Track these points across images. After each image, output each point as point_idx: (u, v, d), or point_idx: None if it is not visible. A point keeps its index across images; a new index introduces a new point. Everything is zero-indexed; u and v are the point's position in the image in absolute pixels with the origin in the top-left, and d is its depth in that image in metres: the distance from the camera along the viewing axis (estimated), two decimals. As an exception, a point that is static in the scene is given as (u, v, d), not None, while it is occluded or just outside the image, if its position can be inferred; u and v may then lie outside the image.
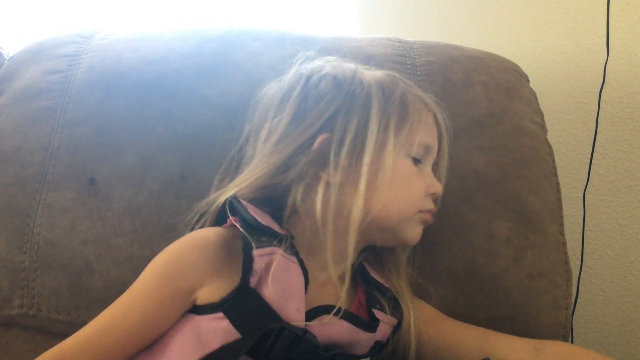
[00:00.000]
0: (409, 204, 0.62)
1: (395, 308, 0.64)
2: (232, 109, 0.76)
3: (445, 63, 0.82)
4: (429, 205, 0.64)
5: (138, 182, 0.73)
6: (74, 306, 0.70)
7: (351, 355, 0.58)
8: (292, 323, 0.53)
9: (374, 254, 0.68)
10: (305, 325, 0.54)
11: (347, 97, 0.62)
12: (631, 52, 1.03)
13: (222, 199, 0.59)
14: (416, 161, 0.63)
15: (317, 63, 0.68)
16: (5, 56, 0.93)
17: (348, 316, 0.58)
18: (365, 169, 0.58)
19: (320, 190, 0.59)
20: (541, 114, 0.84)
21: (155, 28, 0.88)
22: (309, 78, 0.65)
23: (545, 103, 0.87)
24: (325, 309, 0.57)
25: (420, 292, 0.70)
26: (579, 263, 1.06)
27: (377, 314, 0.61)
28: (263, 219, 0.57)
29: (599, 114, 1.04)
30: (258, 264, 0.53)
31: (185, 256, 0.56)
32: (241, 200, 0.58)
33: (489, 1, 1.08)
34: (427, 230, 0.71)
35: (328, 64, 0.67)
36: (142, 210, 0.71)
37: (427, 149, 0.64)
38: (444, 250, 0.71)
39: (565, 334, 0.71)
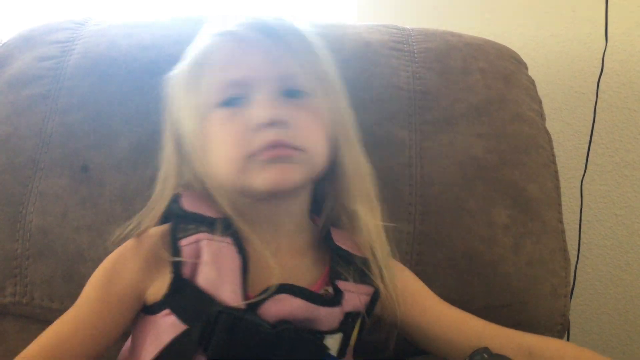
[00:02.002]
0: (226, 158, 0.55)
1: (368, 275, 0.59)
2: (227, 95, 0.75)
3: (443, 50, 0.81)
4: (259, 141, 0.53)
5: (131, 169, 0.72)
6: (67, 294, 0.69)
7: (312, 331, 0.54)
8: (230, 305, 0.52)
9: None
10: (248, 305, 0.52)
11: None
12: (629, 42, 1.03)
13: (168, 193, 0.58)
14: (229, 104, 0.56)
15: None
16: (-3, 43, 0.91)
17: (298, 292, 0.54)
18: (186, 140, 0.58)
19: None
20: (539, 102, 0.83)
21: (149, 14, 0.87)
22: None
23: (543, 92, 0.86)
24: (283, 287, 0.53)
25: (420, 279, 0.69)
26: (576, 252, 1.05)
27: (342, 285, 0.57)
28: (194, 206, 0.56)
29: (597, 103, 1.04)
30: (186, 253, 0.53)
31: (121, 262, 0.55)
32: (183, 191, 0.57)
33: (488, -12, 1.07)
34: (426, 217, 0.71)
35: None
36: (135, 197, 0.70)
37: (234, 83, 0.56)
38: (442, 237, 0.70)
39: (564, 322, 0.71)
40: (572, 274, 0.93)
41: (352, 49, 0.79)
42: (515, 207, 0.72)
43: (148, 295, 0.54)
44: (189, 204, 0.56)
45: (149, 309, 0.54)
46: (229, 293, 0.52)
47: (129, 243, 0.56)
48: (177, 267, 0.53)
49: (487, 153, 0.74)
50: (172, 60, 0.77)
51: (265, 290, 0.53)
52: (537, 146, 0.77)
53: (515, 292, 0.69)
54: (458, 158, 0.73)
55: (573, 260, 1.02)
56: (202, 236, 0.54)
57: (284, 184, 0.54)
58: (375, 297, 0.59)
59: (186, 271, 0.53)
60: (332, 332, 0.55)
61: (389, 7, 1.07)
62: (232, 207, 0.55)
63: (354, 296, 0.57)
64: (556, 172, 0.78)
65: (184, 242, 0.53)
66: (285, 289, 0.53)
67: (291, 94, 0.56)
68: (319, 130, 0.57)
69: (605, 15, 1.00)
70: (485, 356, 0.56)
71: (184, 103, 0.59)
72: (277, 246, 0.58)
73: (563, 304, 0.71)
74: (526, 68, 0.86)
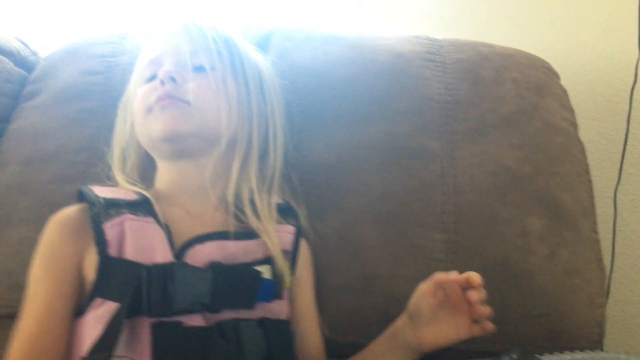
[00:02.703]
0: (137, 114, 0.68)
1: (288, 215, 0.68)
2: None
3: (475, 60, 0.82)
4: (154, 95, 0.65)
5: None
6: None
7: (243, 264, 0.60)
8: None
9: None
10: (175, 260, 0.57)
11: None
12: (663, 51, 1.02)
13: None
14: (150, 80, 0.68)
15: None
16: (32, 56, 0.95)
17: (207, 237, 0.61)
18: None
19: None
20: (572, 111, 0.83)
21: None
22: None
23: (575, 102, 0.86)
24: (198, 239, 0.60)
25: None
26: (609, 263, 1.04)
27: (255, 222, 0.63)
28: (112, 193, 0.63)
29: (631, 113, 1.03)
30: (110, 234, 0.58)
31: (53, 237, 0.61)
32: (90, 186, 0.64)
33: (518, -2, 1.08)
34: (459, 226, 0.71)
35: None
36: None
37: (153, 62, 0.69)
38: (476, 246, 0.71)
39: (600, 332, 0.70)
40: (606, 284, 0.92)
41: (385, 61, 0.81)
42: (550, 217, 0.72)
43: (85, 265, 0.59)
44: (101, 192, 0.62)
45: (79, 310, 0.58)
46: (161, 257, 0.57)
47: (50, 229, 0.62)
48: (102, 247, 0.57)
49: (519, 163, 0.74)
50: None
51: (182, 246, 0.59)
52: (571, 156, 0.77)
53: (552, 301, 0.69)
54: (490, 168, 0.74)
55: (607, 270, 1.01)
56: (126, 217, 0.59)
57: (174, 128, 0.63)
58: (298, 235, 0.67)
59: (112, 251, 0.57)
60: (258, 263, 0.61)
61: (418, 18, 1.08)
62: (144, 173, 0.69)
63: (284, 234, 0.65)
64: (590, 181, 0.78)
65: (107, 224, 0.58)
66: (197, 240, 0.60)
67: (197, 69, 0.66)
68: (213, 95, 0.66)
69: (638, 25, 1.00)
70: (514, 356, 0.56)
71: (132, 86, 0.72)
72: (195, 207, 0.65)
73: (600, 313, 0.70)
74: (558, 78, 0.86)
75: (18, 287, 0.71)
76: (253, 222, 0.63)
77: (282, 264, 0.62)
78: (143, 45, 0.74)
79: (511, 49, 0.86)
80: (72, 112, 0.81)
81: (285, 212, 0.68)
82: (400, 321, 0.65)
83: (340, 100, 0.78)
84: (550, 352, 0.63)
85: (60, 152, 0.77)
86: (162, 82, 0.65)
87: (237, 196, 0.65)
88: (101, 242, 0.58)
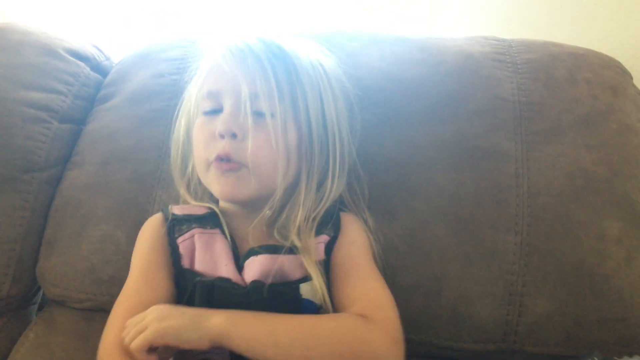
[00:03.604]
0: (198, 159, 0.67)
1: (327, 225, 0.66)
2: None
3: (546, 60, 0.81)
4: (215, 149, 0.63)
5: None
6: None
7: (287, 283, 0.61)
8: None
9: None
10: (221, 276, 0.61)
11: None
12: None
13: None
14: (209, 113, 0.66)
15: None
16: (106, 61, 0.99)
17: (260, 250, 0.62)
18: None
19: None
20: (647, 112, 0.81)
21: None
22: None
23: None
24: (252, 252, 0.63)
25: (527, 290, 0.69)
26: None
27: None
28: (183, 210, 0.68)
29: (703, 112, 0.99)
30: (183, 248, 0.64)
31: (150, 234, 0.67)
32: (170, 205, 0.70)
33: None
34: (533, 228, 0.71)
35: None
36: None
37: (211, 95, 0.65)
38: (551, 248, 0.70)
39: (680, 337, 0.69)
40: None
41: (454, 62, 0.81)
42: (627, 220, 0.71)
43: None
44: (178, 210, 0.68)
45: None
46: (223, 268, 0.62)
47: (148, 222, 0.69)
48: (177, 260, 0.63)
49: (596, 165, 0.73)
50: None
51: (242, 258, 0.62)
52: (648, 158, 0.76)
53: (630, 306, 0.68)
54: (566, 169, 0.73)
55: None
56: (195, 231, 0.65)
57: (232, 195, 0.65)
58: (329, 244, 0.65)
59: (185, 262, 0.63)
60: (305, 279, 0.61)
61: (482, 18, 1.07)
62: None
63: (320, 245, 0.65)
64: (668, 184, 0.76)
65: (180, 239, 0.65)
66: (252, 252, 0.62)
67: (257, 114, 0.63)
68: (271, 151, 0.63)
69: None
70: (596, 359, 0.56)
71: (186, 108, 0.72)
72: (247, 224, 0.65)
73: (679, 319, 0.69)
74: (631, 78, 0.84)
75: (101, 282, 0.75)
76: (295, 241, 0.62)
77: (319, 282, 0.61)
78: (201, 62, 0.71)
79: (582, 48, 0.85)
80: (144, 112, 0.84)
81: (324, 224, 0.66)
82: None
83: (410, 100, 0.78)
84: (630, 355, 0.63)
85: (134, 152, 0.81)
86: (222, 136, 0.63)
87: (287, 219, 0.65)
88: (176, 255, 0.64)
